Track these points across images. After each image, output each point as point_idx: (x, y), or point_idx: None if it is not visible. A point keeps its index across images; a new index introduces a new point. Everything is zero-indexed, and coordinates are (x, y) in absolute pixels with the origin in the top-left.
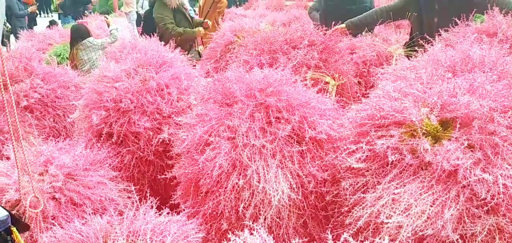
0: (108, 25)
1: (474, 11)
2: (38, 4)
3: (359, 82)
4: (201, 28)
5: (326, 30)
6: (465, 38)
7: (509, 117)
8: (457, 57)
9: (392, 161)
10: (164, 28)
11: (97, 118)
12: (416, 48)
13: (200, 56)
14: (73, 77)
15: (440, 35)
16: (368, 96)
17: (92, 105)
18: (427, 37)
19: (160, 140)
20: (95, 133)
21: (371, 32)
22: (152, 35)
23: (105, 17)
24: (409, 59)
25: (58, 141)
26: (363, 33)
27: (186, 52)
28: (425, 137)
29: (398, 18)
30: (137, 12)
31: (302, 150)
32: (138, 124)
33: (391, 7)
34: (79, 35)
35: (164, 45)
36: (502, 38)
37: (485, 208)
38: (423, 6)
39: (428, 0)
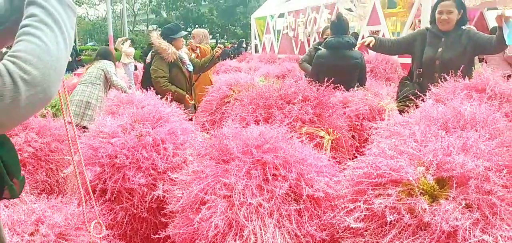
0: None
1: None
2: None
3: (352, 136)
4: (189, 96)
5: (318, 85)
6: (455, 94)
7: (504, 176)
8: (449, 114)
9: (391, 220)
10: (156, 80)
11: (91, 174)
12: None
13: (195, 109)
14: (69, 131)
15: (440, 71)
16: (362, 151)
17: (87, 161)
18: (426, 72)
19: (155, 196)
20: (88, 189)
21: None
22: (148, 89)
23: None
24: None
25: (50, 198)
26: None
27: (182, 105)
28: (423, 196)
29: (406, 49)
30: (135, 65)
31: (300, 209)
32: (133, 180)
33: (402, 38)
34: (102, 55)
35: (161, 98)
36: (491, 94)
37: None
38: (429, 40)
39: (436, 35)
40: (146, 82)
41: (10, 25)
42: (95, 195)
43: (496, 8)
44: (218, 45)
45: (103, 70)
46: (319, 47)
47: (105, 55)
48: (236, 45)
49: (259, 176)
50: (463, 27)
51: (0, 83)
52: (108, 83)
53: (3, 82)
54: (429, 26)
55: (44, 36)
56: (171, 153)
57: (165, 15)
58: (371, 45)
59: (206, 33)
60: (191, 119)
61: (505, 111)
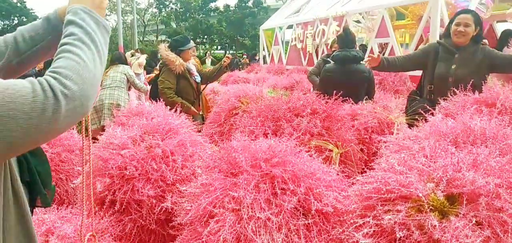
0: None
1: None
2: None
3: (361, 150)
4: (194, 109)
5: (327, 98)
6: (465, 109)
7: None
8: (459, 129)
9: (400, 237)
10: (162, 91)
11: (101, 185)
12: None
13: (203, 121)
14: (78, 142)
15: (452, 87)
16: (371, 165)
17: (96, 173)
18: (437, 89)
19: (163, 208)
20: (98, 200)
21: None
22: (158, 100)
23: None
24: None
25: (60, 209)
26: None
27: (191, 117)
28: (432, 212)
29: (417, 65)
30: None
31: (308, 223)
32: (142, 192)
33: (413, 54)
34: (118, 59)
35: (170, 109)
36: (501, 109)
37: None
38: (442, 55)
39: (449, 51)
40: (155, 93)
41: (45, 44)
42: (105, 207)
43: (506, 21)
44: (227, 55)
45: (125, 74)
46: (328, 59)
47: (122, 60)
48: (248, 58)
49: (267, 190)
50: (479, 45)
51: (43, 97)
52: (127, 86)
53: (45, 96)
54: (440, 40)
55: (83, 54)
56: (180, 165)
57: (174, 26)
58: (376, 65)
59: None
60: (199, 131)
61: None
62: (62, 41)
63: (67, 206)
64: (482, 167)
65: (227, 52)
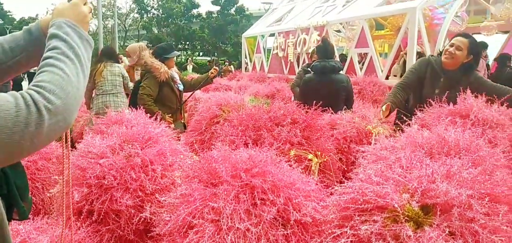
0: None
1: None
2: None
3: (340, 159)
4: (169, 119)
5: (307, 108)
6: (440, 120)
7: (486, 204)
8: (434, 140)
9: None
10: (141, 97)
11: (78, 195)
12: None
13: (185, 128)
14: (55, 149)
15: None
16: (349, 175)
17: (74, 182)
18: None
19: (142, 219)
20: (75, 210)
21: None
22: (138, 108)
23: None
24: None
25: (36, 219)
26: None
27: (172, 125)
28: (407, 222)
29: (412, 89)
30: None
31: (287, 234)
32: (120, 202)
33: (407, 81)
34: (110, 55)
35: (150, 117)
36: (474, 120)
37: None
38: (429, 76)
39: (436, 72)
40: (136, 100)
41: (26, 56)
42: (82, 217)
43: (480, 33)
44: (214, 67)
45: (122, 75)
46: (308, 69)
47: (113, 56)
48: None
49: (247, 200)
50: (469, 75)
51: (26, 111)
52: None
53: (29, 111)
54: (432, 56)
55: (66, 68)
56: (160, 175)
57: (156, 32)
58: (387, 111)
59: (143, 46)
60: (179, 138)
61: (488, 137)
62: (46, 54)
63: (43, 216)
64: (455, 178)
65: (211, 58)
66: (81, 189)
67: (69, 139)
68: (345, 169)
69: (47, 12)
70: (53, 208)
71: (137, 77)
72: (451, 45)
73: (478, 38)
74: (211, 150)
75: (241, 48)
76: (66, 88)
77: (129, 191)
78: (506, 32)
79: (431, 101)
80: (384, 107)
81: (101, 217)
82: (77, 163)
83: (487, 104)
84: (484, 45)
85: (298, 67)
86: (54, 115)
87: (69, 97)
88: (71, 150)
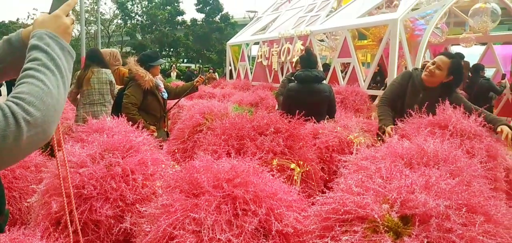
0: None
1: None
2: None
3: (322, 168)
4: (153, 128)
5: (290, 117)
6: (419, 131)
7: (463, 214)
8: (413, 151)
9: None
10: (126, 105)
11: (56, 205)
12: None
13: (167, 136)
14: (34, 158)
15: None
16: (330, 185)
17: (52, 191)
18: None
19: (122, 229)
20: (53, 220)
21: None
22: (120, 116)
23: None
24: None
25: (12, 230)
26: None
27: (155, 133)
28: (387, 233)
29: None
30: None
31: None
32: (100, 212)
33: (391, 97)
34: (97, 60)
35: (132, 125)
36: (452, 131)
37: None
38: (410, 90)
39: (416, 87)
40: (118, 108)
41: (5, 66)
42: (60, 227)
43: (459, 44)
44: (200, 75)
45: (109, 82)
46: (292, 78)
47: (101, 60)
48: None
49: (229, 211)
50: (449, 94)
51: (4, 124)
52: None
53: (7, 123)
54: (416, 69)
55: (47, 79)
56: (141, 184)
57: (140, 38)
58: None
59: (115, 53)
60: (161, 147)
61: (466, 148)
62: (26, 65)
63: (19, 227)
64: (433, 189)
65: (195, 65)
66: (59, 199)
67: (62, 143)
68: (327, 178)
69: (28, 17)
70: (30, 218)
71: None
72: (433, 63)
73: (457, 49)
74: (194, 159)
75: (225, 56)
76: (46, 100)
77: (109, 201)
78: (484, 44)
79: (411, 112)
80: (389, 130)
81: (80, 227)
82: (56, 172)
83: (465, 116)
84: (460, 56)
85: (282, 75)
86: (33, 127)
87: (49, 109)
88: (50, 159)
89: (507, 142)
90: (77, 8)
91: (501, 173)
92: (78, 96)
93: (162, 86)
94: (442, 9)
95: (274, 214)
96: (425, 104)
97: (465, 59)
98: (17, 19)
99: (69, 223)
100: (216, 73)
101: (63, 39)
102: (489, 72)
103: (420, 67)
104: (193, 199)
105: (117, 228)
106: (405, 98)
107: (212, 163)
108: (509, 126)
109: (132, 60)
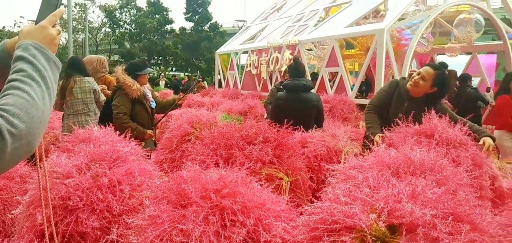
0: None
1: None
2: None
3: (310, 177)
4: (150, 132)
5: (278, 126)
6: (406, 140)
7: (449, 223)
8: (400, 160)
9: None
10: (117, 116)
11: (41, 217)
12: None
13: (155, 146)
14: (19, 168)
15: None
16: (319, 195)
17: (37, 202)
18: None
19: (108, 241)
20: (37, 232)
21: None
22: (107, 125)
23: None
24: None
25: None
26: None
27: (142, 143)
28: (375, 242)
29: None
30: None
31: None
32: (86, 224)
33: (378, 105)
34: (78, 69)
35: (120, 134)
36: (438, 140)
37: None
38: (395, 98)
39: (400, 97)
40: (106, 118)
41: None
42: (45, 240)
43: (444, 54)
44: (191, 86)
45: (93, 90)
46: (281, 87)
47: (82, 69)
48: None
49: (217, 222)
50: (434, 105)
51: None
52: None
53: None
54: (404, 79)
55: (32, 91)
56: (128, 195)
57: (128, 46)
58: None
59: (102, 60)
60: (149, 156)
61: (452, 157)
62: (11, 77)
63: (3, 239)
64: (420, 198)
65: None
66: (44, 211)
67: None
68: (315, 187)
69: (14, 25)
70: (14, 231)
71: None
72: (418, 74)
73: (443, 58)
74: (182, 170)
75: (214, 64)
76: (31, 111)
77: (95, 212)
78: (468, 53)
79: (398, 121)
80: (378, 138)
81: (66, 239)
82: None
83: (451, 125)
84: (444, 65)
85: (271, 84)
86: (18, 139)
87: (33, 120)
88: (35, 169)
89: (488, 153)
90: (65, 16)
91: (487, 181)
92: (64, 106)
93: (150, 95)
94: (428, 20)
95: (262, 224)
96: (410, 113)
97: (452, 68)
98: (3, 27)
99: (53, 235)
100: (205, 82)
101: (49, 50)
102: (474, 81)
103: (406, 76)
104: (180, 210)
105: (104, 240)
106: (391, 106)
107: (200, 173)
108: (491, 137)
109: (119, 69)
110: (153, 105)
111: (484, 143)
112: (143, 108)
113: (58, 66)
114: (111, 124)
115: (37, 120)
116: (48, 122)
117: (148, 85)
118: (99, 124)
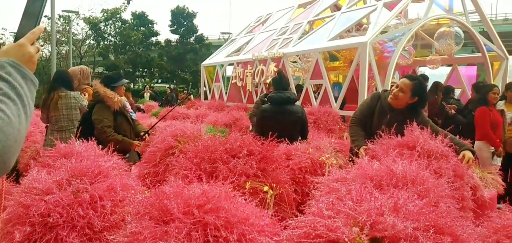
0: None
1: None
2: None
3: (295, 190)
4: (138, 142)
5: (263, 139)
6: (388, 152)
7: (431, 236)
8: (383, 172)
9: None
10: (102, 130)
11: (20, 235)
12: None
13: (139, 157)
14: None
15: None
16: (303, 209)
17: (16, 220)
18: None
19: None
20: None
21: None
22: (90, 139)
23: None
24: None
25: None
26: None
27: (127, 156)
28: None
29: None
30: None
31: None
32: (66, 241)
33: (361, 118)
34: (64, 83)
35: (102, 148)
36: (420, 152)
37: None
38: (378, 111)
39: (383, 108)
40: (86, 132)
41: None
42: None
43: (426, 66)
44: (144, 135)
45: (80, 105)
46: (265, 99)
47: (68, 82)
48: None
49: (199, 238)
50: (416, 115)
51: None
52: None
53: None
54: (385, 91)
55: (7, 109)
56: (109, 211)
57: (113, 58)
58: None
59: (85, 70)
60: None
61: (433, 168)
62: None
63: None
64: (402, 211)
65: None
66: (23, 228)
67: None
68: (300, 200)
69: None
70: None
71: None
72: (397, 86)
73: (424, 70)
74: (165, 184)
75: (200, 76)
76: (6, 129)
77: (76, 229)
78: (449, 65)
79: (381, 133)
80: (363, 151)
81: None
82: (20, 200)
83: (432, 137)
84: (424, 77)
85: (256, 96)
86: None
87: (9, 139)
88: (15, 185)
89: (468, 167)
90: (48, 28)
91: (468, 192)
92: (49, 121)
93: (129, 106)
94: (409, 33)
95: (245, 239)
96: (392, 125)
97: (436, 80)
98: None
99: None
100: (192, 95)
101: (26, 67)
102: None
103: (389, 88)
104: (162, 226)
105: None
106: (373, 118)
107: (182, 188)
108: (471, 151)
109: (97, 82)
110: (133, 116)
111: (464, 157)
112: (124, 119)
113: (35, 84)
114: (93, 138)
115: (12, 138)
116: (30, 136)
117: (123, 98)
118: (80, 138)
